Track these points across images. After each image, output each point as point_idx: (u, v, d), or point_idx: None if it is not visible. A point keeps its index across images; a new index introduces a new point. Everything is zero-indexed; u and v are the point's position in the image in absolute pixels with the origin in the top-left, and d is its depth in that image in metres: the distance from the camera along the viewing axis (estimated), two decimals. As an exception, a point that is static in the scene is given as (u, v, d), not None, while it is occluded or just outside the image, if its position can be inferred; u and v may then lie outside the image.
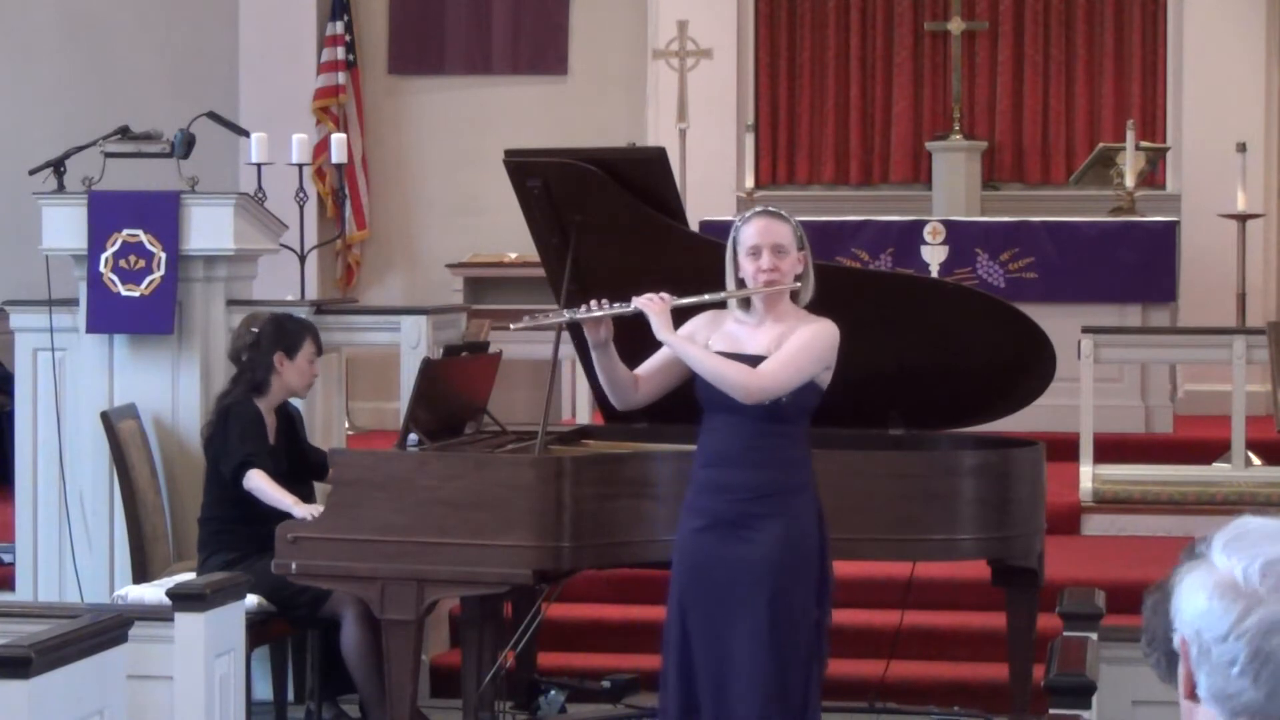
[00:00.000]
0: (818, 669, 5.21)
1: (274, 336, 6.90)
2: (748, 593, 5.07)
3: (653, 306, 5.14)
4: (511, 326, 5.67)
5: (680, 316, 5.27)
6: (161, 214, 7.43)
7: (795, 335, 5.14)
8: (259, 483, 6.65)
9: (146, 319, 7.43)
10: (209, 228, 7.48)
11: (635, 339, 5.33)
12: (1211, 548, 1.86)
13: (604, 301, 5.23)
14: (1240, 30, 11.59)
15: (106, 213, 7.45)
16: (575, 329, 5.81)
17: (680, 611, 5.20)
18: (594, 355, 5.28)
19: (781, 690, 5.08)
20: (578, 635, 7.54)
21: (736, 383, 5.08)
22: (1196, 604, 1.83)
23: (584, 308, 5.25)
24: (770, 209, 5.29)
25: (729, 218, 10.57)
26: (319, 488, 6.88)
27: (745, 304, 5.23)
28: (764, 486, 5.11)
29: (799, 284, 5.19)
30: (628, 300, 5.20)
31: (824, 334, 5.16)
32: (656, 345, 5.27)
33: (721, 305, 5.29)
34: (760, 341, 5.17)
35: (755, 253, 5.15)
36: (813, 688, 5.18)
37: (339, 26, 12.13)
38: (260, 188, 8.39)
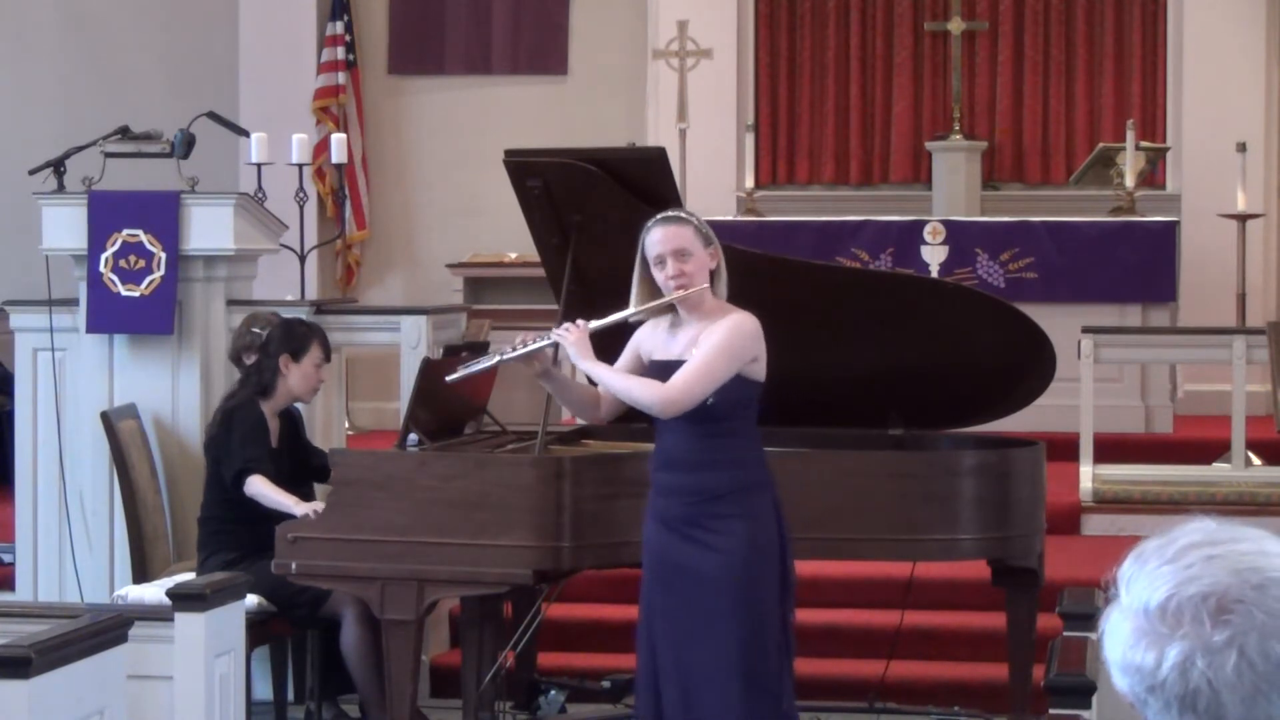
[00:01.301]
0: (787, 663, 5.23)
1: (282, 339, 6.90)
2: (715, 596, 5.10)
3: (568, 337, 5.24)
4: (447, 379, 5.77)
5: (620, 334, 5.32)
6: (161, 214, 7.43)
7: (706, 338, 5.14)
8: (259, 488, 6.65)
9: (146, 319, 7.43)
10: (209, 228, 7.48)
11: (613, 349, 5.37)
12: (1119, 584, 1.85)
13: (526, 339, 5.32)
14: (1240, 30, 11.59)
15: (106, 213, 7.45)
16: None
17: (647, 613, 5.25)
18: (547, 386, 5.43)
19: (756, 688, 5.10)
20: (578, 635, 7.54)
21: (647, 401, 5.16)
22: (1115, 657, 1.82)
23: (509, 348, 5.36)
24: (669, 214, 5.29)
25: (729, 218, 10.62)
26: (319, 489, 6.88)
27: (671, 308, 5.24)
28: (716, 488, 5.14)
29: (705, 285, 5.18)
30: (547, 334, 5.32)
31: (738, 330, 5.15)
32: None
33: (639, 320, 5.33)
34: (683, 345, 5.21)
35: (660, 262, 5.17)
36: (785, 682, 5.20)
37: (339, 26, 12.13)
38: (260, 188, 8.39)
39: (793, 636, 5.29)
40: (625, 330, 5.37)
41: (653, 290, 5.23)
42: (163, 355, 7.54)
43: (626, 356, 5.37)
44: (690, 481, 5.15)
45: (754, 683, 5.10)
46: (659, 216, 5.26)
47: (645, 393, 5.16)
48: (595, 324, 5.28)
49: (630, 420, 6.25)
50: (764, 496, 5.19)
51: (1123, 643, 1.81)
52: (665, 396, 5.11)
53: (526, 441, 6.39)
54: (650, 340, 5.31)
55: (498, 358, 5.45)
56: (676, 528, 5.17)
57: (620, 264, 6.14)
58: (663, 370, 5.20)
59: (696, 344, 5.16)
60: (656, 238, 5.19)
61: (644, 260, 5.23)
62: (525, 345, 5.32)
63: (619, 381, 5.23)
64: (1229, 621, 1.76)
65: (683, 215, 5.26)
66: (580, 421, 6.77)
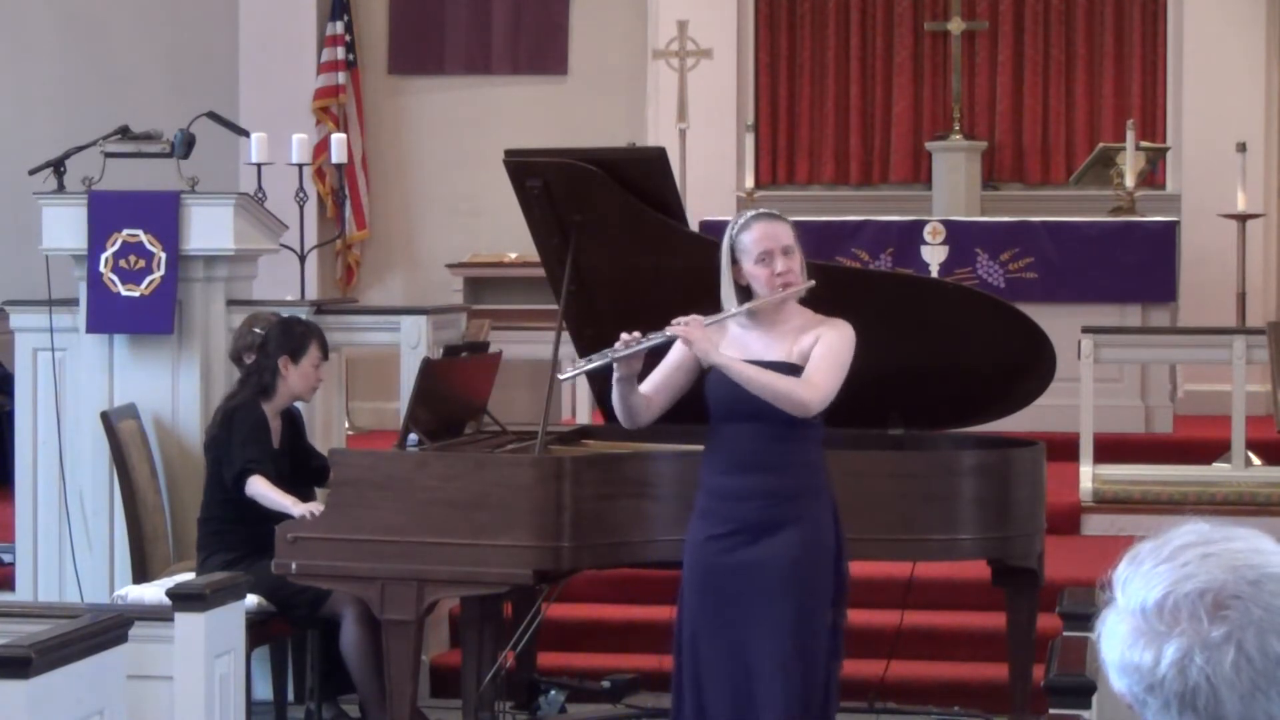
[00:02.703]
0: (835, 670, 5.20)
1: (280, 339, 6.90)
2: (770, 597, 5.04)
3: (691, 332, 5.05)
4: (559, 377, 5.64)
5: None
6: (161, 214, 7.43)
7: (825, 342, 5.09)
8: (260, 489, 6.64)
9: (146, 319, 7.43)
10: (209, 228, 7.48)
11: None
12: (1114, 586, 1.85)
13: (637, 335, 5.10)
14: (1240, 30, 11.59)
15: (106, 213, 7.45)
16: (584, 338, 5.80)
17: (692, 619, 5.18)
18: (618, 387, 5.14)
19: (806, 692, 5.07)
20: (578, 635, 7.54)
21: (795, 401, 5.02)
22: (1113, 658, 1.82)
23: (620, 344, 5.09)
24: (766, 211, 5.23)
25: (729, 218, 10.59)
26: (319, 493, 6.88)
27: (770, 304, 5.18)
28: (784, 491, 5.08)
29: (814, 281, 5.16)
30: (661, 330, 5.10)
31: (850, 336, 5.15)
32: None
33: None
34: (778, 348, 5.12)
35: (766, 258, 5.08)
36: (833, 688, 5.19)
37: (339, 26, 12.13)
38: (260, 188, 8.39)
39: (842, 643, 5.25)
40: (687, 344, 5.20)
41: (744, 290, 5.12)
42: (163, 355, 7.53)
43: (673, 358, 5.21)
44: (764, 483, 5.07)
45: (798, 682, 5.06)
46: (755, 213, 5.17)
47: (792, 390, 5.01)
48: (710, 319, 5.11)
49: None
50: (825, 500, 5.16)
51: (1120, 643, 1.81)
52: (810, 395, 5.01)
53: (526, 441, 6.39)
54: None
55: (609, 354, 5.12)
56: (739, 534, 5.08)
57: (621, 264, 6.15)
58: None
59: (798, 345, 5.07)
60: (763, 233, 5.09)
61: (733, 259, 5.12)
62: (639, 341, 5.07)
63: (763, 377, 5.03)
64: (1226, 617, 1.76)
65: (778, 213, 5.18)
66: (580, 421, 6.76)
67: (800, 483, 5.11)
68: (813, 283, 5.14)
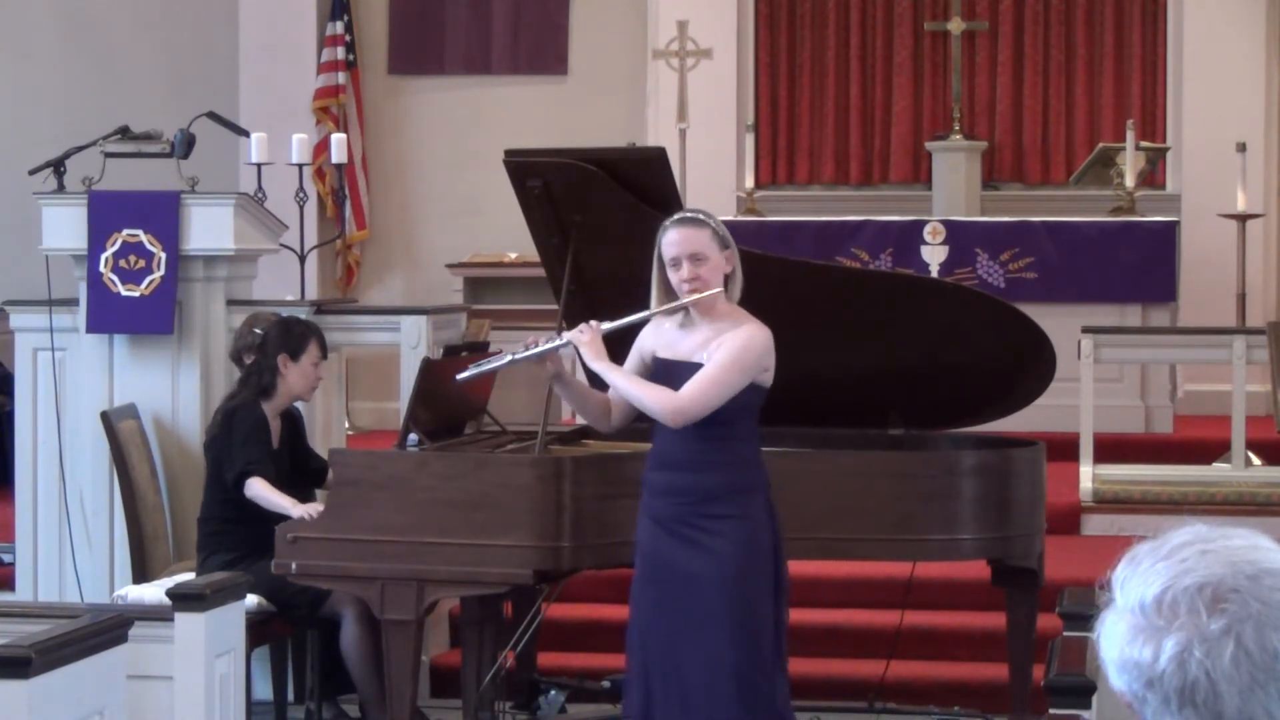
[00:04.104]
0: (781, 665, 5.21)
1: (279, 339, 6.90)
2: (708, 597, 5.07)
3: (583, 338, 5.19)
4: (458, 378, 5.71)
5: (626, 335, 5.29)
6: (161, 214, 7.43)
7: (721, 348, 5.10)
8: (260, 490, 6.64)
9: (146, 319, 7.43)
10: (209, 228, 7.48)
11: (625, 348, 5.34)
12: (1113, 587, 1.86)
13: (538, 340, 5.30)
14: (1240, 30, 11.59)
15: (106, 213, 7.45)
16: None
17: (639, 612, 5.23)
18: (557, 389, 5.40)
19: (750, 690, 5.09)
20: (578, 635, 7.54)
21: (657, 409, 5.12)
22: (1112, 655, 1.83)
23: (522, 347, 5.32)
24: (687, 215, 5.24)
25: (729, 218, 10.61)
26: (319, 494, 6.88)
27: (683, 308, 5.22)
28: (713, 489, 5.11)
29: (719, 289, 5.16)
30: (560, 334, 5.31)
31: (753, 343, 5.12)
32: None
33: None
34: (691, 345, 5.17)
35: (675, 264, 5.14)
36: (780, 684, 5.18)
37: (339, 26, 12.13)
38: (260, 188, 8.39)
39: (785, 639, 5.28)
40: (636, 330, 5.34)
41: (669, 291, 5.18)
42: (163, 355, 7.53)
43: (633, 356, 5.32)
44: (686, 482, 5.13)
45: (748, 685, 5.08)
46: (676, 217, 5.22)
47: (656, 400, 5.11)
48: (609, 325, 5.23)
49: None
50: (758, 498, 5.17)
51: (1119, 641, 1.81)
52: (675, 406, 5.08)
53: (526, 441, 6.39)
54: (656, 337, 5.26)
55: (509, 357, 5.39)
56: (670, 527, 5.14)
57: (620, 264, 6.14)
58: (668, 369, 5.17)
59: (707, 349, 5.11)
60: (672, 239, 5.15)
61: (660, 260, 5.19)
62: (537, 345, 5.28)
63: (630, 386, 5.18)
64: (1225, 610, 1.76)
65: (700, 217, 5.20)
66: (581, 421, 6.77)
67: (728, 481, 5.13)
68: (718, 290, 5.13)
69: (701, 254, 5.12)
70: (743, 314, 5.19)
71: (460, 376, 5.66)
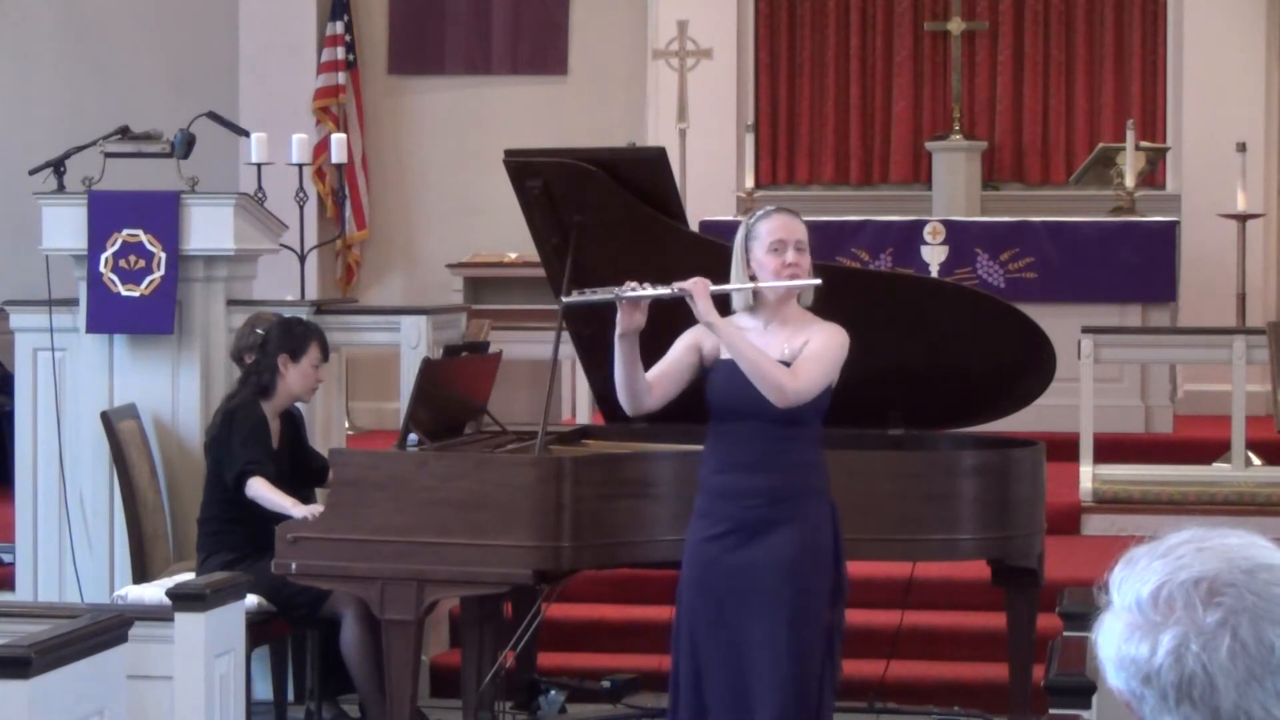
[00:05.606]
0: (830, 670, 5.20)
1: (280, 339, 6.90)
2: (766, 597, 5.05)
3: (696, 288, 5.06)
4: (563, 299, 5.64)
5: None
6: (161, 214, 7.43)
7: (817, 340, 5.12)
8: (260, 490, 6.64)
9: (146, 319, 7.43)
10: (209, 228, 7.48)
11: (650, 345, 5.30)
12: (1110, 588, 1.86)
13: (646, 284, 5.12)
14: (1240, 30, 11.60)
15: (106, 213, 7.45)
16: (583, 337, 5.78)
17: (690, 617, 5.18)
18: (618, 346, 5.10)
19: (801, 692, 5.07)
20: (578, 635, 7.54)
21: (776, 383, 5.02)
22: (1110, 654, 1.83)
23: (628, 286, 5.11)
24: (786, 207, 5.30)
25: (729, 218, 10.60)
26: (319, 494, 6.88)
27: (751, 306, 5.20)
28: (781, 490, 5.09)
29: (819, 280, 5.18)
30: (668, 283, 5.11)
31: (842, 339, 5.17)
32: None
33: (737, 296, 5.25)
34: (774, 345, 5.13)
35: (779, 248, 5.13)
36: (826, 690, 5.18)
37: (339, 26, 12.13)
38: (260, 188, 8.39)
39: (839, 645, 5.26)
40: (659, 321, 5.22)
41: (751, 280, 5.15)
42: (163, 355, 7.53)
43: (676, 352, 5.24)
44: (762, 482, 5.08)
45: (797, 688, 5.06)
46: (774, 206, 5.26)
47: (777, 375, 5.01)
48: (716, 287, 5.13)
49: (630, 420, 6.25)
50: (823, 501, 5.16)
51: (1116, 639, 1.82)
52: (793, 384, 5.01)
53: (526, 441, 6.39)
54: (709, 338, 5.16)
55: (616, 291, 5.12)
56: (736, 533, 5.09)
57: (620, 264, 6.15)
58: (733, 370, 5.09)
59: (789, 346, 5.09)
60: (780, 223, 5.16)
61: (745, 249, 5.16)
62: (647, 288, 5.07)
63: (753, 353, 5.04)
64: (1221, 604, 1.77)
65: (798, 213, 5.24)
66: (580, 421, 6.76)
67: (797, 483, 5.11)
68: (818, 281, 5.17)
69: (804, 243, 5.17)
70: (814, 317, 5.20)
71: (566, 300, 5.58)
